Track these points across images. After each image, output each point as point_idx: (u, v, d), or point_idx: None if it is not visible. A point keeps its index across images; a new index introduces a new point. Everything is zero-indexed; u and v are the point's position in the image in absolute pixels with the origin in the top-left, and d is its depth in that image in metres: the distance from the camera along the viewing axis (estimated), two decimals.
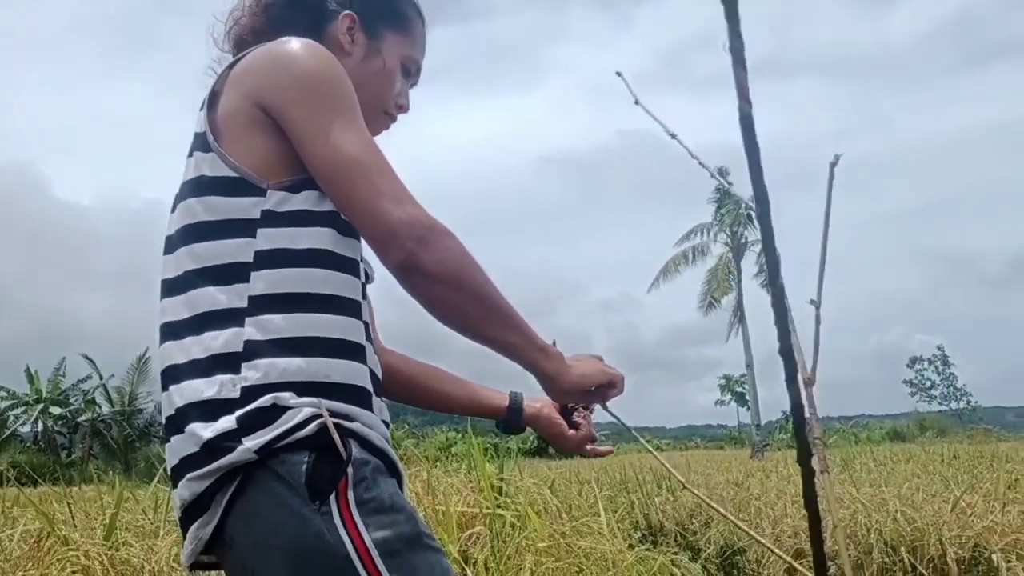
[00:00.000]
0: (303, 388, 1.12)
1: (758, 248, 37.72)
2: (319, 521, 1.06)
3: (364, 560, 1.05)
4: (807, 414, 1.20)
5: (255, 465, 1.08)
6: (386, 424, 1.25)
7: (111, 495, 4.55)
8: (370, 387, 1.21)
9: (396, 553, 1.07)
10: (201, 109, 1.28)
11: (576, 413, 1.59)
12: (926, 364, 68.13)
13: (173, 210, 1.28)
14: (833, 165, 1.11)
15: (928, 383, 67.34)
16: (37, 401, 42.43)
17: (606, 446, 1.63)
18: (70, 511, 4.04)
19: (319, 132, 1.19)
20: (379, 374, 1.28)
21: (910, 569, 4.76)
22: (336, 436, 1.09)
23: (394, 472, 1.18)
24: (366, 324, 1.25)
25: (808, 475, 0.91)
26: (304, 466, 1.08)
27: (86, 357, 44.09)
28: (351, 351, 1.20)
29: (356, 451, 1.11)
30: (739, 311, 37.40)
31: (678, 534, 7.20)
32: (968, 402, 65.57)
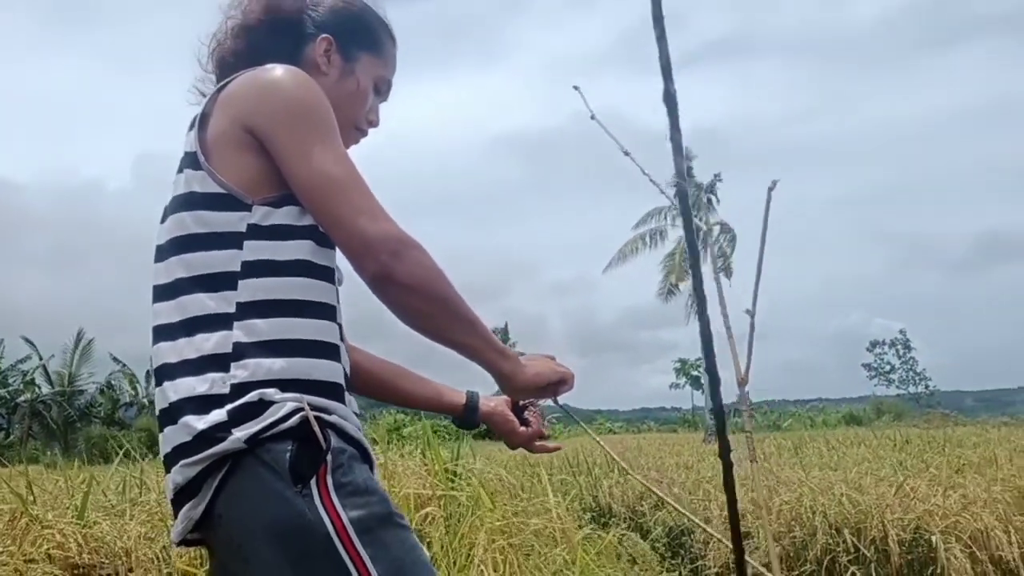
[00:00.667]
0: (286, 385, 1.24)
1: (715, 233, 38.02)
2: (301, 502, 1.18)
3: (342, 536, 1.18)
4: (743, 409, 1.32)
5: (243, 453, 1.20)
6: (358, 415, 1.37)
7: (72, 477, 4.58)
8: (343, 383, 1.34)
9: (370, 530, 1.20)
10: (191, 129, 1.38)
11: (527, 411, 1.71)
12: (886, 348, 67.84)
13: (163, 221, 1.38)
14: (771, 190, 1.22)
15: (888, 367, 67.16)
16: None
17: (554, 443, 1.78)
18: (30, 491, 4.09)
19: (302, 154, 1.31)
20: (348, 371, 1.41)
21: (853, 550, 4.92)
22: (317, 428, 1.21)
23: (367, 459, 1.31)
24: (340, 326, 1.38)
25: (727, 467, 1.03)
26: (288, 454, 1.20)
27: (27, 340, 43.48)
28: (328, 351, 1.32)
29: (334, 441, 1.24)
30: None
31: (628, 516, 7.37)
32: (927, 386, 65.51)
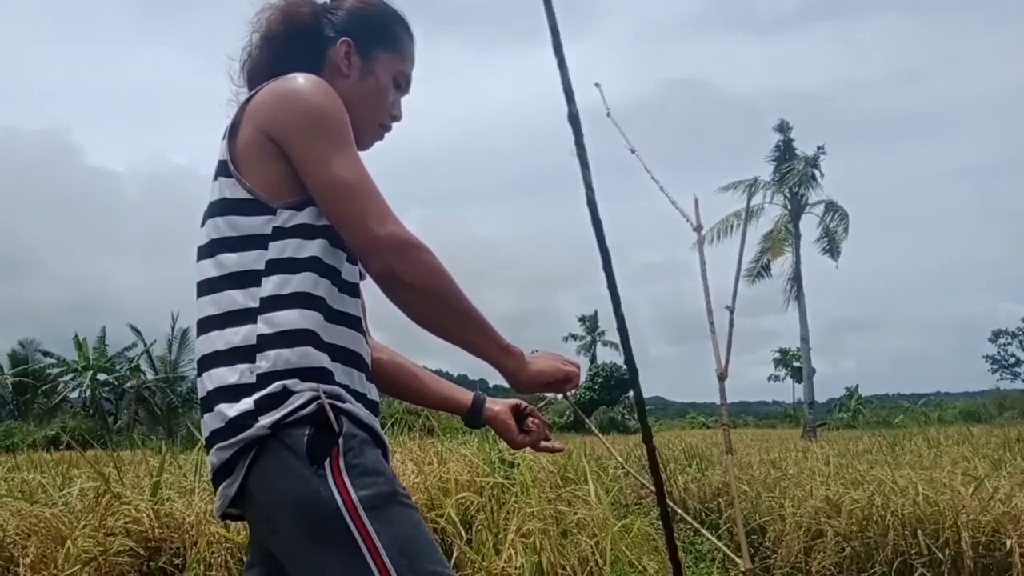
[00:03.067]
0: (305, 374, 1.38)
1: (820, 210, 35.17)
2: (316, 481, 1.32)
3: (351, 512, 1.31)
4: (720, 404, 1.36)
5: (268, 438, 1.35)
6: (375, 402, 1.52)
7: (156, 459, 4.87)
8: (330, 367, 1.42)
9: (376, 507, 1.33)
10: (224, 139, 1.51)
11: (529, 419, 1.80)
12: (1010, 338, 63.14)
13: (203, 224, 1.51)
14: (751, 186, 1.27)
15: (1012, 359, 62.52)
16: (85, 368, 43.76)
17: (558, 444, 1.86)
18: (118, 472, 4.38)
19: (317, 160, 1.43)
20: (368, 359, 1.54)
21: (926, 552, 4.77)
22: (331, 414, 1.35)
23: (379, 443, 1.44)
24: (338, 312, 1.48)
25: (651, 451, 1.10)
26: (305, 438, 1.34)
27: (133, 328, 45.20)
28: (317, 340, 1.43)
29: (347, 426, 1.37)
30: (796, 279, 34.75)
31: (702, 511, 7.32)
32: None
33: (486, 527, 3.85)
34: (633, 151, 1.49)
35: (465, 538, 3.81)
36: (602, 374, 52.10)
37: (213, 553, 3.60)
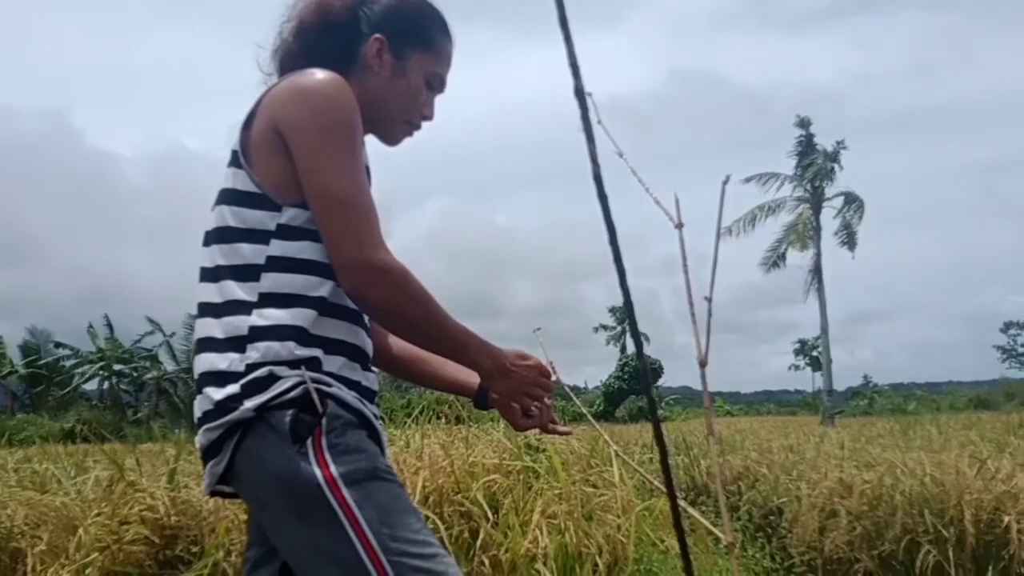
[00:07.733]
0: (293, 363, 1.44)
1: (838, 204, 35.05)
2: (299, 459, 1.39)
3: (331, 487, 1.38)
4: (702, 390, 1.41)
5: (253, 420, 1.42)
6: (371, 390, 1.56)
7: (174, 449, 4.91)
8: (321, 359, 1.48)
9: (357, 482, 1.40)
10: (243, 128, 1.53)
11: (534, 405, 1.77)
12: (1019, 329, 65.04)
13: (213, 210, 1.56)
14: (724, 183, 1.31)
15: (1022, 349, 64.20)
16: (100, 359, 43.10)
17: (565, 427, 1.85)
18: (137, 462, 4.44)
19: (315, 168, 1.46)
20: (368, 350, 1.59)
21: (932, 531, 4.84)
22: (316, 397, 1.41)
23: (366, 425, 1.49)
24: (336, 306, 1.52)
25: (656, 424, 1.14)
26: (288, 419, 1.41)
27: (151, 320, 44.32)
28: (309, 337, 1.48)
29: (332, 408, 1.43)
30: (816, 271, 34.69)
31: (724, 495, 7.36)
32: None
33: (513, 510, 3.89)
34: (621, 155, 1.53)
35: (492, 520, 3.85)
36: (631, 364, 52.16)
37: (232, 540, 3.63)
